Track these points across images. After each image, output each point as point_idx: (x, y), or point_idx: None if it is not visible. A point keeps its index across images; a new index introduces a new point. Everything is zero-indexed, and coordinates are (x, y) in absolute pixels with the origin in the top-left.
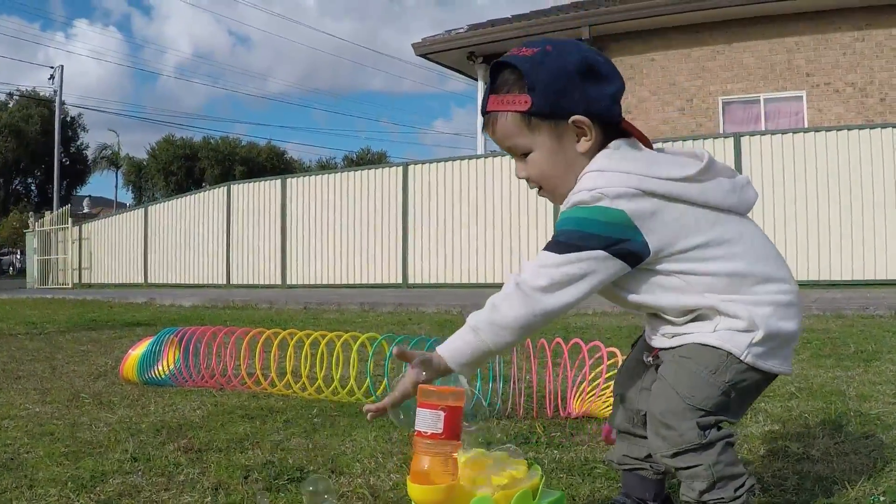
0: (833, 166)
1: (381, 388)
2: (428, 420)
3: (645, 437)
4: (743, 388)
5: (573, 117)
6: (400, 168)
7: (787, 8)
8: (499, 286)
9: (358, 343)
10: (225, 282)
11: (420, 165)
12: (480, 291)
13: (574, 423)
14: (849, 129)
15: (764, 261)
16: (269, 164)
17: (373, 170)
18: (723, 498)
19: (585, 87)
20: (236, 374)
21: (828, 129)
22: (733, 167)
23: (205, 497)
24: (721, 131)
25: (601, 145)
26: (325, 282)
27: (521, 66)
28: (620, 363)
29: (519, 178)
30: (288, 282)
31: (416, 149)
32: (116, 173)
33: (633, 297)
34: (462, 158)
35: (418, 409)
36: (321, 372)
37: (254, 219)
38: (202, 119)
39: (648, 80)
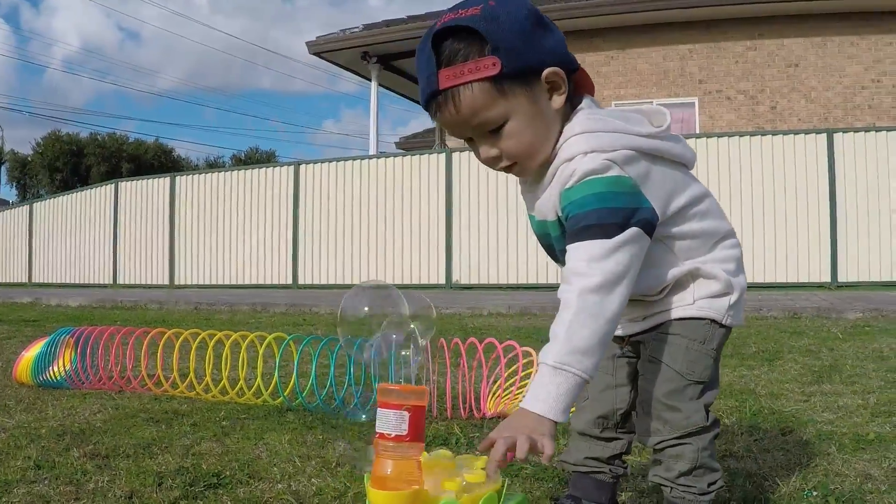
0: (724, 172)
1: (289, 388)
2: (391, 421)
3: (608, 440)
4: (721, 351)
5: (546, 70)
6: (291, 167)
7: (680, 16)
8: (398, 287)
9: (265, 344)
10: (111, 281)
11: (312, 165)
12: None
13: (491, 423)
14: (740, 136)
15: (721, 215)
16: (156, 162)
17: (264, 168)
18: (693, 488)
19: (544, 37)
20: (136, 375)
21: (719, 136)
22: None
23: None
24: None
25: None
26: (214, 282)
27: (477, 26)
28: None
29: (485, 159)
30: (176, 282)
31: (305, 149)
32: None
33: None
34: (354, 158)
35: (379, 409)
36: (225, 373)
37: (142, 217)
38: (89, 115)
39: None
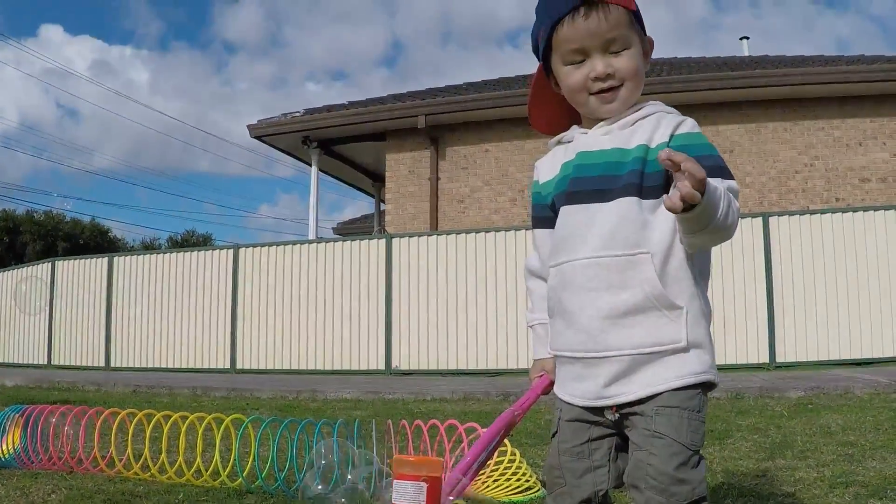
0: None
1: (246, 469)
2: (409, 492)
3: None
4: None
5: (649, 36)
6: (231, 250)
7: None
8: (329, 373)
9: (223, 426)
10: (46, 362)
11: (251, 248)
12: (311, 378)
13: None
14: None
15: None
16: (92, 242)
17: (203, 251)
18: None
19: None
20: (87, 455)
21: None
22: None
23: None
24: None
25: None
26: (151, 365)
27: None
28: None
29: (600, 74)
30: (112, 364)
31: (241, 232)
32: None
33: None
34: (294, 243)
35: (396, 481)
36: (181, 455)
37: (78, 297)
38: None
39: (482, 171)
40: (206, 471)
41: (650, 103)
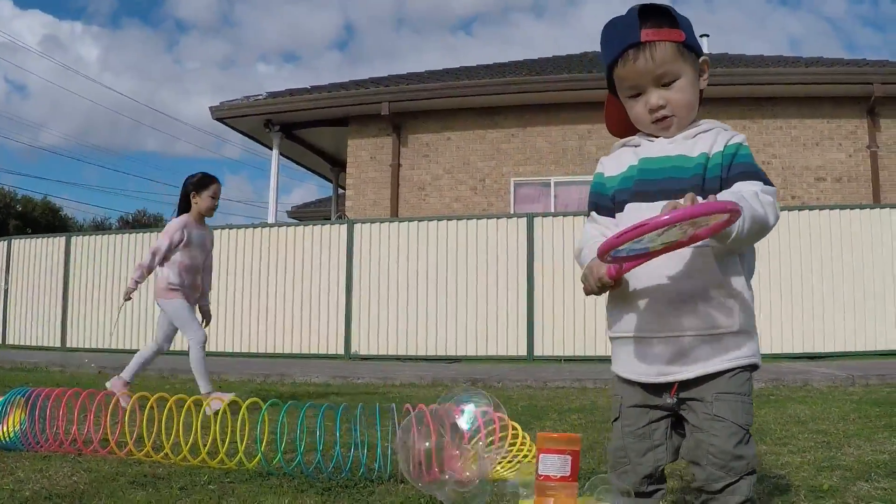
0: None
1: (259, 451)
2: (556, 464)
3: (651, 493)
4: None
5: (703, 56)
6: None
7: (580, 97)
8: (288, 356)
9: (242, 409)
10: (0, 342)
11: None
12: (273, 362)
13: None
14: None
15: None
16: (43, 221)
17: (157, 232)
18: None
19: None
20: (92, 438)
21: None
22: (525, 246)
23: None
24: (512, 211)
25: None
26: (109, 346)
27: (671, 11)
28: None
29: (654, 106)
30: (68, 344)
31: None
32: None
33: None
34: (254, 226)
35: (542, 454)
36: (191, 437)
37: (33, 277)
38: None
39: (443, 159)
40: (222, 450)
41: (706, 121)
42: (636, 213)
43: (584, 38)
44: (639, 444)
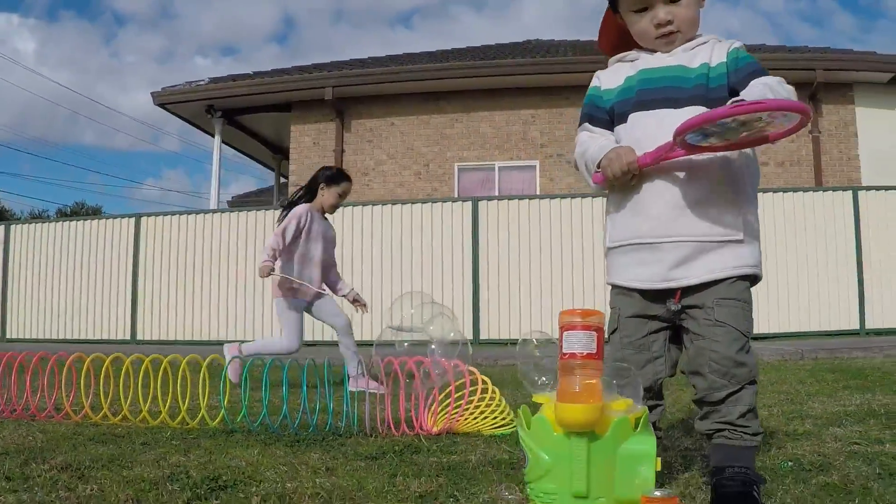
0: (566, 230)
1: (220, 417)
2: (582, 341)
3: (652, 409)
4: None
5: None
6: (132, 219)
7: (523, 82)
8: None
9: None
10: None
11: (154, 217)
12: (218, 349)
13: (448, 437)
14: (582, 198)
15: None
16: None
17: (103, 220)
18: (749, 428)
19: None
20: (45, 405)
21: (562, 197)
22: (470, 230)
23: None
24: (456, 196)
25: None
26: (49, 336)
27: None
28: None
29: (662, 21)
30: (8, 335)
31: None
32: None
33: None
34: (199, 212)
35: (567, 332)
36: (149, 399)
37: None
38: None
39: (387, 144)
40: (183, 408)
41: (704, 35)
42: (641, 121)
43: (525, 32)
44: (638, 356)
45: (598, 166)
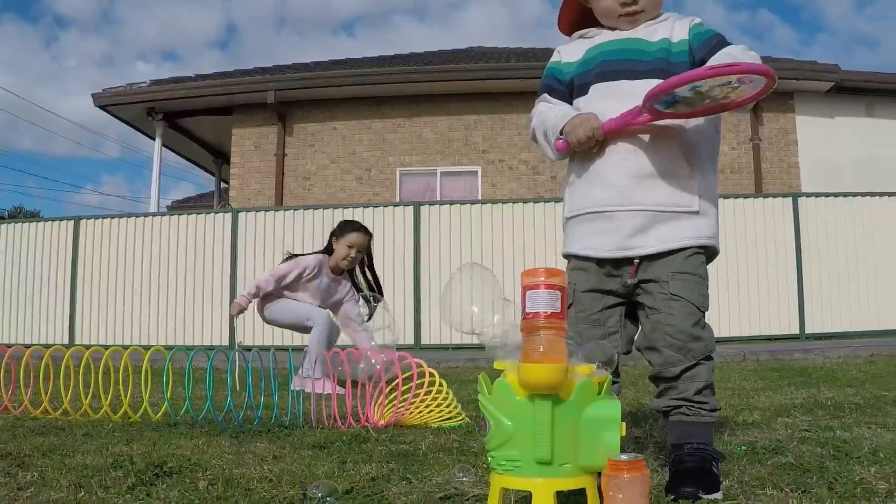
0: (508, 236)
1: (163, 409)
2: (545, 300)
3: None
4: None
5: None
6: (70, 222)
7: (466, 87)
8: (172, 348)
9: (146, 359)
10: None
11: (93, 220)
12: (157, 353)
13: (396, 428)
14: (524, 202)
15: None
16: None
17: (39, 223)
18: (707, 404)
19: None
20: None
21: (504, 202)
22: (412, 234)
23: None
24: (398, 200)
25: None
26: None
27: None
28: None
29: (627, 0)
30: None
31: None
32: None
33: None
34: (139, 215)
35: (530, 292)
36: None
37: None
38: None
39: (329, 149)
40: (125, 401)
41: (664, 13)
42: (602, 93)
43: (467, 41)
44: (593, 331)
45: (562, 133)
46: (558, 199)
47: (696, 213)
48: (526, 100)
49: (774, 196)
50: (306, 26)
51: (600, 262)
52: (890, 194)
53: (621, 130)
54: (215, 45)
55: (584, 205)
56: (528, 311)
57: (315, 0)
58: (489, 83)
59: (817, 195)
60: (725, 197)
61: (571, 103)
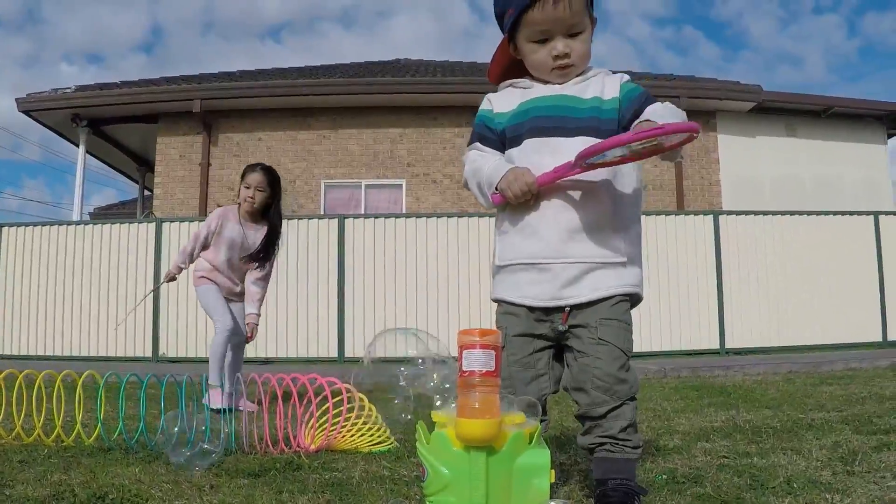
0: (432, 249)
1: (96, 433)
2: (480, 360)
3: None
4: None
5: (594, 16)
6: None
7: (392, 101)
8: (96, 359)
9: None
10: None
11: (14, 228)
12: (80, 364)
13: (327, 454)
14: (448, 217)
15: None
16: None
17: None
18: (630, 441)
19: None
20: None
21: (428, 216)
22: (336, 246)
23: None
24: (322, 213)
25: None
26: None
27: None
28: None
29: (560, 53)
30: None
31: None
32: None
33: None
34: (62, 223)
35: (466, 351)
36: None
37: None
38: None
39: (254, 159)
40: (58, 423)
41: (593, 69)
42: (536, 148)
43: (394, 51)
44: (523, 374)
45: (497, 188)
46: (482, 214)
47: (624, 263)
48: (451, 114)
49: (696, 213)
50: (233, 31)
51: (531, 308)
52: (809, 213)
53: (554, 183)
54: (141, 48)
55: (518, 256)
56: (464, 369)
57: (242, 4)
58: (415, 97)
59: (738, 213)
60: (648, 214)
61: (504, 152)
